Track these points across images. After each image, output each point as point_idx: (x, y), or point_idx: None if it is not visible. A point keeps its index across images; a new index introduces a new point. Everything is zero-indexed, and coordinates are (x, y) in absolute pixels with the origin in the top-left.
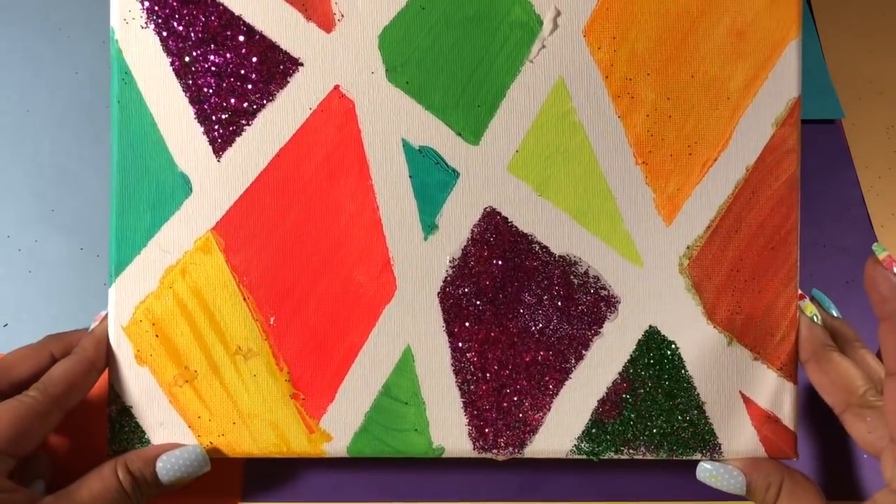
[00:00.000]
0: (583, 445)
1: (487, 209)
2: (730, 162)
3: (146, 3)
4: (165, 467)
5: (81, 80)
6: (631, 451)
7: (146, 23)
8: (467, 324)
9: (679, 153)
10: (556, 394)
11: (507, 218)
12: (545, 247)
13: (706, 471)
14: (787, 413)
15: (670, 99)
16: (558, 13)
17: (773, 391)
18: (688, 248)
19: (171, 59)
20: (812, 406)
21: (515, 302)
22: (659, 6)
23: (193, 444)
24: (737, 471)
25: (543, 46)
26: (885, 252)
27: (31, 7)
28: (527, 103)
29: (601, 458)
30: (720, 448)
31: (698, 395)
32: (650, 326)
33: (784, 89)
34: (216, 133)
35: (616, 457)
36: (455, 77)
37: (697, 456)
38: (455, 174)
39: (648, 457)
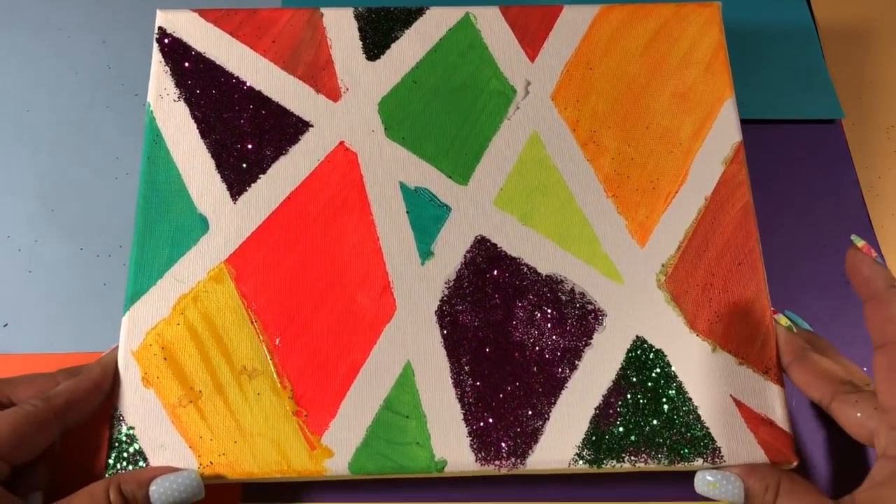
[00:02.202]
0: (584, 453)
1: (478, 237)
2: (690, 193)
3: (180, 82)
4: (158, 491)
5: (81, 80)
6: (632, 457)
7: (178, 97)
8: (464, 339)
9: (644, 188)
10: (554, 403)
11: (496, 244)
12: (532, 268)
13: (705, 481)
14: (779, 415)
15: (630, 145)
16: (529, 83)
17: (762, 394)
18: (662, 265)
19: (197, 124)
20: (809, 412)
21: (508, 317)
22: (612, 76)
23: (189, 470)
24: (734, 476)
25: (518, 108)
26: (863, 241)
27: (31, 7)
28: (507, 152)
29: (602, 467)
30: (720, 452)
31: (691, 399)
32: (637, 336)
33: (727, 135)
34: (233, 180)
35: (618, 466)
36: (444, 134)
37: (699, 462)
38: (447, 209)
39: (650, 465)
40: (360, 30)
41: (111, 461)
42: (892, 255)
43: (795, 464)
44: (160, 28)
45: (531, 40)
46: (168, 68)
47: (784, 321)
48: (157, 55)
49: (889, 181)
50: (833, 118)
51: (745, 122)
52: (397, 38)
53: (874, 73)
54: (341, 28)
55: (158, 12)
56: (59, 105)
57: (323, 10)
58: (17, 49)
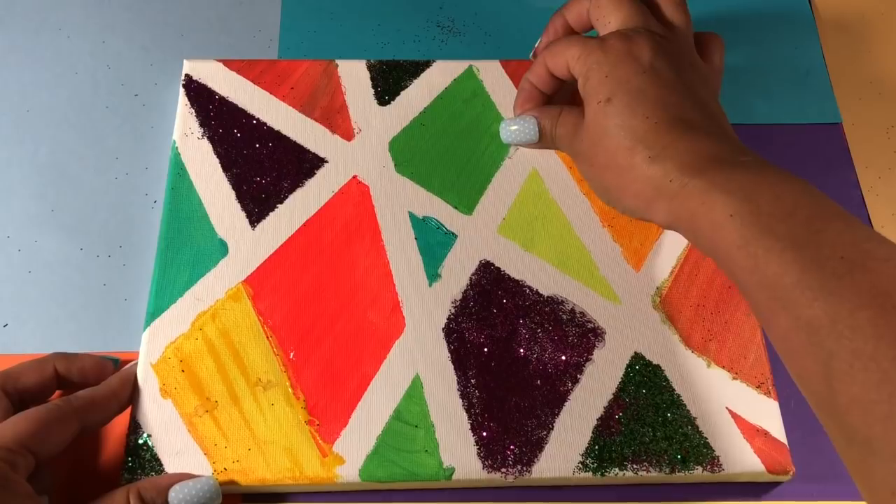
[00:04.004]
0: (588, 461)
1: (483, 261)
2: None
3: (204, 122)
4: (178, 497)
5: (81, 80)
6: (634, 465)
7: (202, 136)
8: (470, 354)
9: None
10: (558, 414)
11: (500, 268)
12: (534, 289)
13: (509, 130)
14: (775, 427)
15: None
16: None
17: (757, 406)
18: (657, 288)
19: (219, 159)
20: (805, 420)
21: (513, 334)
22: None
23: (207, 476)
24: (530, 117)
25: (518, 149)
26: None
27: (31, 7)
28: (509, 186)
29: (606, 475)
30: (718, 461)
31: (689, 411)
32: (635, 353)
33: None
34: (252, 209)
35: (621, 474)
36: (450, 170)
37: (699, 470)
38: (454, 236)
39: (652, 473)
40: (372, 79)
41: (128, 467)
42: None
43: (792, 472)
44: (187, 75)
45: None
46: (193, 110)
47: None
48: (182, 98)
49: (889, 181)
50: (831, 122)
51: (744, 124)
52: (406, 87)
53: (874, 73)
54: (355, 77)
55: (185, 62)
56: (59, 105)
57: (338, 61)
58: (17, 49)
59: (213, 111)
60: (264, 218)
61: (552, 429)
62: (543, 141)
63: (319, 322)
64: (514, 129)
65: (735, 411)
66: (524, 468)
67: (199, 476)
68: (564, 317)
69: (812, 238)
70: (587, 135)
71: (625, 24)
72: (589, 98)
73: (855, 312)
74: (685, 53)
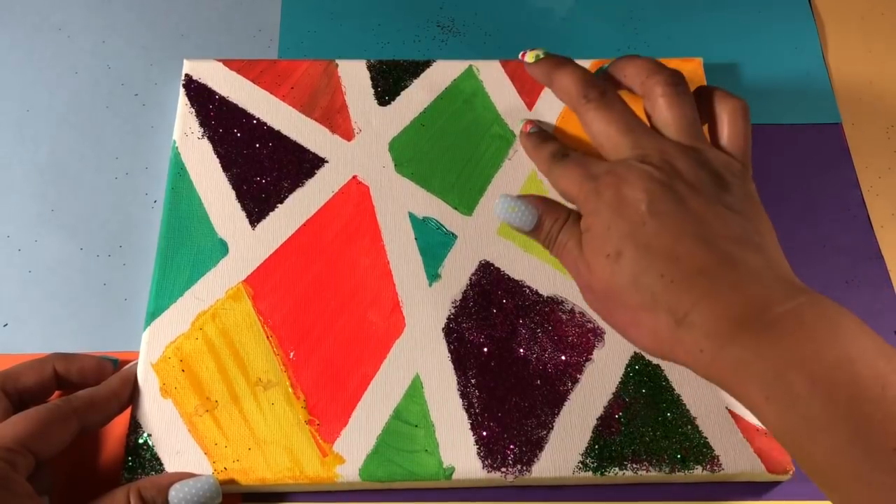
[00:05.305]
0: (588, 461)
1: (483, 262)
2: None
3: (204, 122)
4: (178, 496)
5: (81, 80)
6: (634, 465)
7: (202, 136)
8: (470, 354)
9: None
10: (557, 414)
11: (499, 268)
12: (534, 290)
13: (507, 205)
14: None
15: None
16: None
17: None
18: None
19: (219, 159)
20: None
21: (512, 334)
22: None
23: (207, 475)
24: (533, 206)
25: (517, 150)
26: (522, 121)
27: (31, 7)
28: (509, 187)
29: (606, 474)
30: (718, 461)
31: (689, 410)
32: (635, 352)
33: None
34: (252, 209)
35: (621, 474)
36: (450, 171)
37: (699, 470)
38: (453, 236)
39: (652, 472)
40: (372, 79)
41: (128, 467)
42: (892, 254)
43: (792, 471)
44: (187, 75)
45: (529, 90)
46: (193, 110)
47: (531, 57)
48: (182, 98)
49: (889, 181)
50: (830, 122)
51: None
52: (406, 87)
53: (874, 73)
54: (355, 77)
55: (185, 61)
56: (59, 105)
57: (338, 61)
58: (17, 49)
59: (213, 111)
60: (264, 218)
61: (552, 428)
62: (537, 236)
63: (319, 322)
64: (509, 208)
65: (735, 411)
66: (524, 468)
67: (199, 475)
68: (564, 317)
69: (858, 426)
70: (597, 281)
71: (616, 151)
72: (595, 249)
73: None
74: (691, 170)
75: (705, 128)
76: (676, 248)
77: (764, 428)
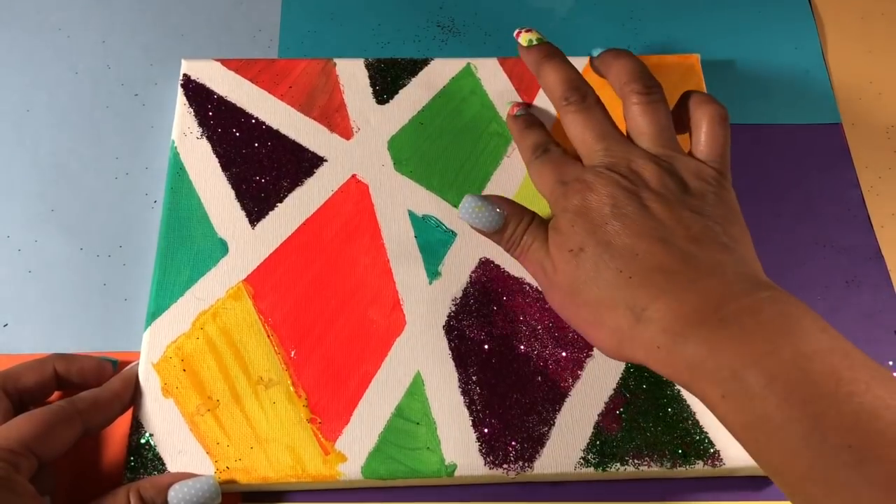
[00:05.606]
0: (589, 457)
1: (482, 259)
2: None
3: (203, 122)
4: (177, 497)
5: (81, 80)
6: (636, 461)
7: (201, 135)
8: (471, 351)
9: None
10: (559, 410)
11: (500, 266)
12: (534, 287)
13: (472, 206)
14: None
15: None
16: None
17: None
18: None
19: (218, 159)
20: None
21: (513, 331)
22: None
23: (207, 475)
24: (499, 207)
25: (515, 148)
26: (510, 103)
27: (31, 7)
28: (508, 184)
29: (607, 470)
30: (719, 455)
31: (689, 405)
32: None
33: None
34: (252, 208)
35: (622, 469)
36: (449, 168)
37: (700, 465)
38: (453, 234)
39: (653, 468)
40: (370, 77)
41: (130, 467)
42: (892, 254)
43: None
44: (185, 75)
45: (527, 88)
46: (191, 110)
47: (525, 40)
48: (181, 98)
49: (889, 181)
50: (830, 122)
51: (744, 124)
52: (404, 85)
53: (874, 73)
54: (353, 76)
55: (183, 61)
56: (59, 105)
57: (336, 60)
58: (17, 49)
59: (211, 111)
60: (264, 217)
61: (553, 425)
62: (499, 239)
63: (320, 320)
64: (475, 209)
65: None
66: (526, 464)
67: (198, 475)
68: None
69: (813, 425)
70: (561, 276)
71: (590, 155)
72: (559, 245)
73: None
74: (657, 178)
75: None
76: (635, 247)
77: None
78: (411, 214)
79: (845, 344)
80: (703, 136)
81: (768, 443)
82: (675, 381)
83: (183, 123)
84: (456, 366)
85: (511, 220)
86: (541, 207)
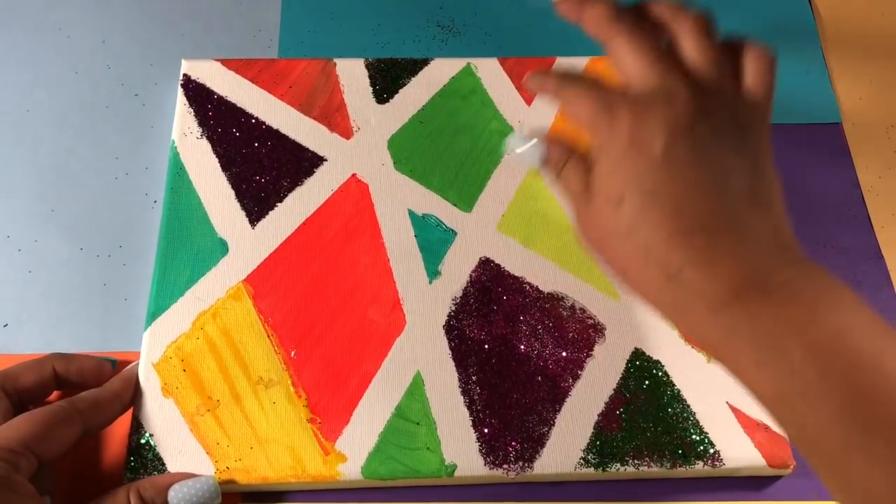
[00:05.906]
0: (589, 457)
1: (483, 258)
2: None
3: (203, 122)
4: (177, 497)
5: (81, 80)
6: (636, 461)
7: (201, 135)
8: (471, 351)
9: None
10: (559, 410)
11: (500, 265)
12: (535, 286)
13: (515, 142)
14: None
15: None
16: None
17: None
18: None
19: (218, 159)
20: None
21: (513, 331)
22: None
23: (207, 476)
24: (537, 142)
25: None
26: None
27: (31, 7)
28: (508, 182)
29: (607, 470)
30: (719, 455)
31: (689, 405)
32: (636, 348)
33: None
34: (252, 208)
35: (622, 469)
36: (449, 167)
37: (700, 465)
38: (453, 233)
39: (653, 468)
40: (370, 77)
41: (130, 467)
42: (892, 254)
43: (793, 466)
44: (185, 75)
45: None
46: (192, 110)
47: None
48: (181, 98)
49: (889, 181)
50: (830, 122)
51: None
52: (404, 85)
53: (874, 73)
54: (353, 76)
55: (183, 61)
56: (59, 105)
57: (336, 60)
58: (17, 49)
59: (211, 111)
60: (264, 217)
61: (553, 425)
62: (545, 170)
63: (320, 320)
64: (518, 151)
65: (735, 406)
66: (526, 464)
67: (198, 475)
68: (565, 313)
69: (853, 397)
70: (595, 220)
71: (642, 82)
72: (598, 189)
73: None
74: (716, 114)
75: None
76: (682, 200)
77: (764, 423)
78: (411, 214)
79: (883, 322)
80: (751, 77)
81: (804, 412)
82: (700, 344)
83: (183, 123)
84: (456, 365)
85: (552, 153)
86: (541, 206)
